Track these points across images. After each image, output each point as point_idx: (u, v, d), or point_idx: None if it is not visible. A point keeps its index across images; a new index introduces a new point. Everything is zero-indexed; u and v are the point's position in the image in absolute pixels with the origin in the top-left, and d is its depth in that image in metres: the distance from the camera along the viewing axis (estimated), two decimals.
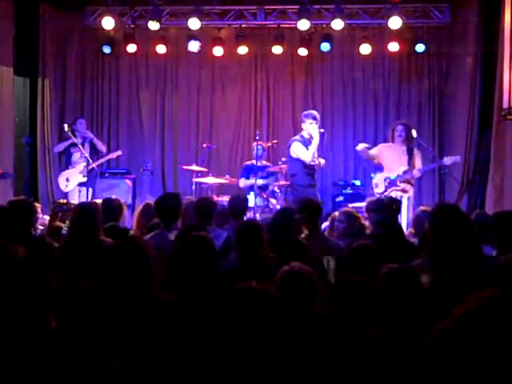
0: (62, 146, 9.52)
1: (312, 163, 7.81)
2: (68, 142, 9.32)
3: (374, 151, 8.33)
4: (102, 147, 9.50)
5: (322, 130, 7.95)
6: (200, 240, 3.75)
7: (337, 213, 5.43)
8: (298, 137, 7.99)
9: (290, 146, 7.94)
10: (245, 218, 5.91)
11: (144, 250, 2.87)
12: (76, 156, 9.28)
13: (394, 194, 7.75)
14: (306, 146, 7.82)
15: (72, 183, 9.20)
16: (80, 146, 8.94)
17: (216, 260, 3.86)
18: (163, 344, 2.07)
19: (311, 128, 7.84)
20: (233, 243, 4.32)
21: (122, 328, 2.22)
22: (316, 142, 7.78)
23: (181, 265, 3.33)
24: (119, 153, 9.60)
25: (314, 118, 7.89)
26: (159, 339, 2.08)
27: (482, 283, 2.84)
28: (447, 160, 7.87)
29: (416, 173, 7.95)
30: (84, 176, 9.08)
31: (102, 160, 9.38)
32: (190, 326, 2.16)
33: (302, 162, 7.80)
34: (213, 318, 2.11)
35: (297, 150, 7.84)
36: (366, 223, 5.49)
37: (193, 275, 3.26)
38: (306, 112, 8.20)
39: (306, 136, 7.90)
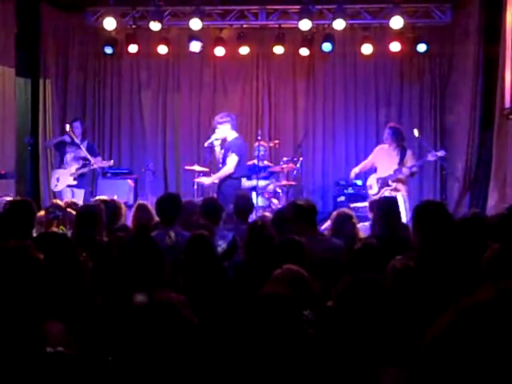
0: (51, 143, 9.47)
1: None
2: (58, 139, 9.24)
3: (371, 155, 8.55)
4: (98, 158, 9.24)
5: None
6: (201, 241, 3.74)
7: (335, 213, 5.44)
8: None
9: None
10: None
11: (157, 245, 2.89)
12: (69, 156, 9.12)
13: (387, 194, 7.91)
14: None
15: (61, 184, 9.08)
16: (82, 146, 8.93)
17: (217, 261, 3.84)
18: (166, 347, 2.06)
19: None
20: (238, 244, 4.31)
21: (125, 328, 2.22)
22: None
23: (184, 266, 3.33)
24: (111, 163, 9.30)
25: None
26: (162, 342, 2.07)
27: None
28: (430, 156, 8.09)
29: (405, 171, 8.07)
30: (74, 179, 8.99)
31: (94, 166, 8.97)
32: (190, 330, 2.15)
33: None
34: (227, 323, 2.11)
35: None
36: (365, 224, 5.50)
37: (196, 277, 3.27)
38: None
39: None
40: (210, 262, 3.59)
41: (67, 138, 9.05)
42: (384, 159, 8.25)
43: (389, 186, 8.09)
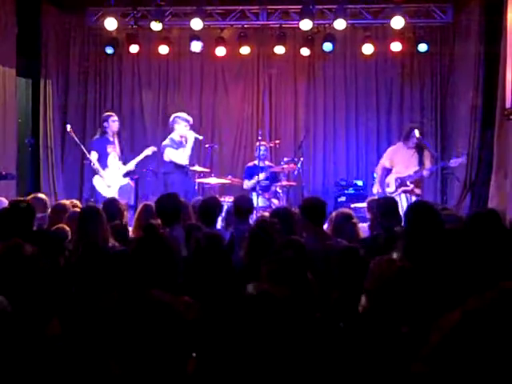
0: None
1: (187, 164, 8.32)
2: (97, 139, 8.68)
3: (385, 160, 8.42)
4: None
5: (201, 137, 8.66)
6: (214, 240, 3.73)
7: (334, 213, 5.41)
8: (168, 141, 8.39)
9: (163, 153, 8.37)
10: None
11: (171, 244, 2.88)
12: (112, 156, 8.63)
13: (403, 195, 7.98)
14: (177, 148, 8.30)
15: (114, 188, 8.57)
16: (117, 144, 8.68)
17: (230, 262, 3.81)
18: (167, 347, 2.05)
19: (186, 131, 8.37)
20: (236, 243, 4.29)
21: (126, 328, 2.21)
22: (190, 144, 8.31)
23: (196, 266, 3.31)
24: (154, 148, 8.80)
25: (188, 122, 8.41)
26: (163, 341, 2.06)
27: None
28: (453, 162, 8.08)
29: (425, 173, 8.10)
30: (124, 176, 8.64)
31: (140, 157, 8.68)
32: (194, 330, 2.14)
33: (176, 163, 8.26)
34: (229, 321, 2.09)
35: (170, 155, 8.27)
36: (363, 225, 5.48)
37: (209, 276, 3.25)
38: (179, 114, 8.53)
39: (177, 138, 8.38)
40: (224, 263, 3.56)
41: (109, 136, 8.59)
42: (402, 160, 8.21)
43: (407, 186, 8.08)
